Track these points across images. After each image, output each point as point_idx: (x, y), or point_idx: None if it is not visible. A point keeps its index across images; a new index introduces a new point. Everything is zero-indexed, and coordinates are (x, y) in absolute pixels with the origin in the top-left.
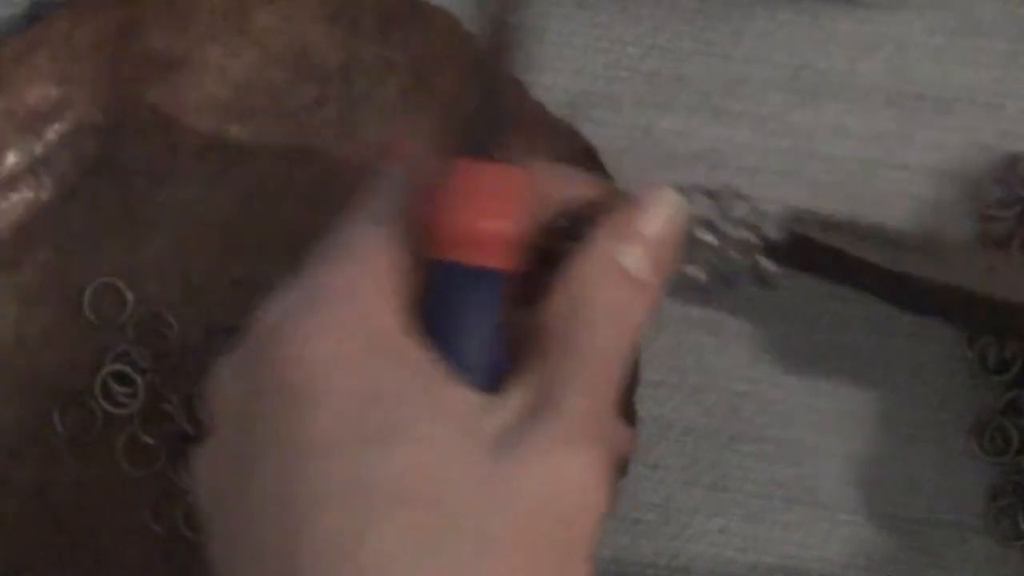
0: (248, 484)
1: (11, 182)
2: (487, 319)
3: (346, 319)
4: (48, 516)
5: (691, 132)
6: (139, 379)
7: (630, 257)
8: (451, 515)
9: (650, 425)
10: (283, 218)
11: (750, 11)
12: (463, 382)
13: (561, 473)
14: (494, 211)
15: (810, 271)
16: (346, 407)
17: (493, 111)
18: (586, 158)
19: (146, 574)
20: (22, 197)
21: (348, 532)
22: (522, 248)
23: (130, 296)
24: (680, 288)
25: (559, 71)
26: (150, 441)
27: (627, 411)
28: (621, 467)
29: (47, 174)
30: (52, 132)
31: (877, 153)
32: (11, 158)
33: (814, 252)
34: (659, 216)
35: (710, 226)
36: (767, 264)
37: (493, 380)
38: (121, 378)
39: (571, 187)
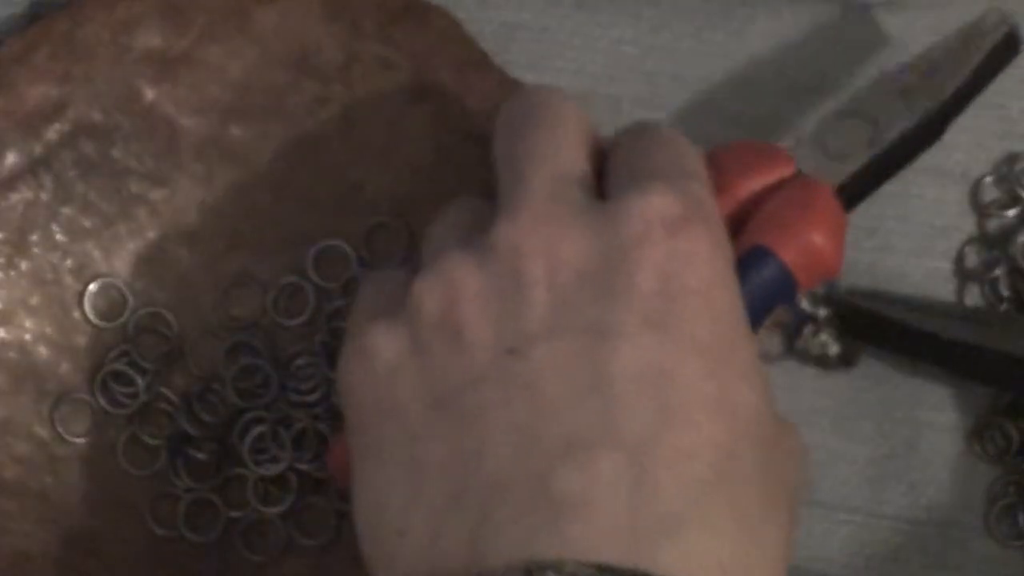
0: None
1: (11, 182)
2: (763, 319)
3: (724, 241)
4: (48, 516)
5: (691, 132)
6: (139, 379)
7: None
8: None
9: None
10: (282, 218)
11: (750, 11)
12: None
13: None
14: (837, 244)
15: (863, 339)
16: (725, 323)
17: (877, 167)
18: None
19: (146, 574)
20: (22, 197)
21: (720, 446)
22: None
23: (130, 296)
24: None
25: (559, 71)
26: (150, 441)
27: None
28: None
29: (47, 174)
30: (52, 132)
31: None
32: (11, 158)
33: (868, 323)
34: None
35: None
36: (830, 343)
37: None
38: (121, 378)
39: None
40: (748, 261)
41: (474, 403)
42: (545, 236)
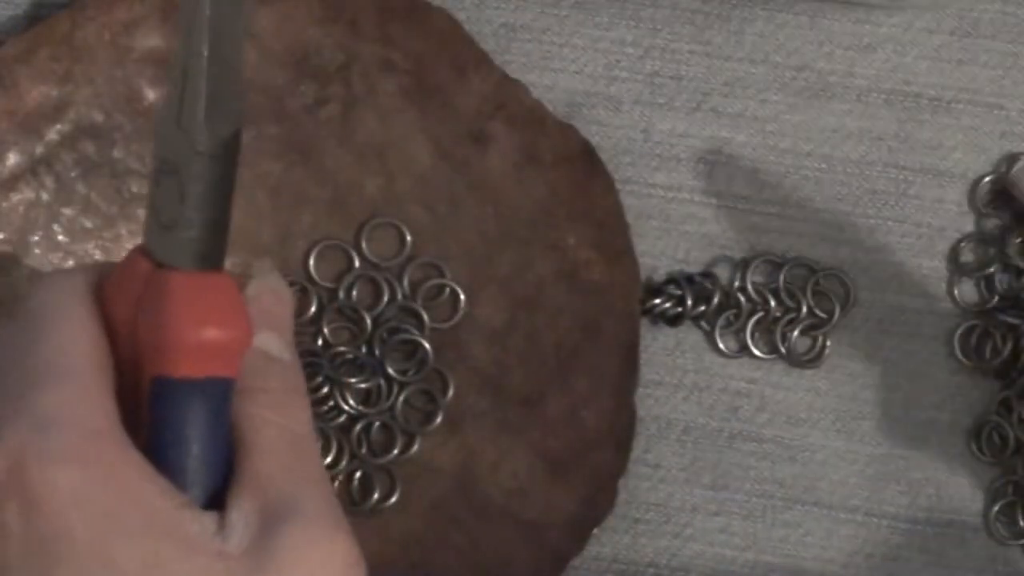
0: None
1: (11, 182)
2: (218, 430)
3: (78, 450)
4: None
5: (691, 132)
6: None
7: (267, 341)
8: None
9: (650, 425)
10: (282, 217)
11: (750, 12)
12: (191, 504)
13: (323, 571)
14: (221, 320)
15: None
16: (94, 561)
17: (205, 217)
18: (586, 158)
19: None
20: (23, 197)
21: None
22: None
23: None
24: None
25: (559, 71)
26: None
27: (627, 411)
28: (620, 468)
29: (48, 174)
30: (52, 132)
31: (877, 153)
32: (11, 158)
33: None
34: (271, 297)
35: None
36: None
37: (221, 485)
38: None
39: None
40: (155, 401)
41: None
42: None
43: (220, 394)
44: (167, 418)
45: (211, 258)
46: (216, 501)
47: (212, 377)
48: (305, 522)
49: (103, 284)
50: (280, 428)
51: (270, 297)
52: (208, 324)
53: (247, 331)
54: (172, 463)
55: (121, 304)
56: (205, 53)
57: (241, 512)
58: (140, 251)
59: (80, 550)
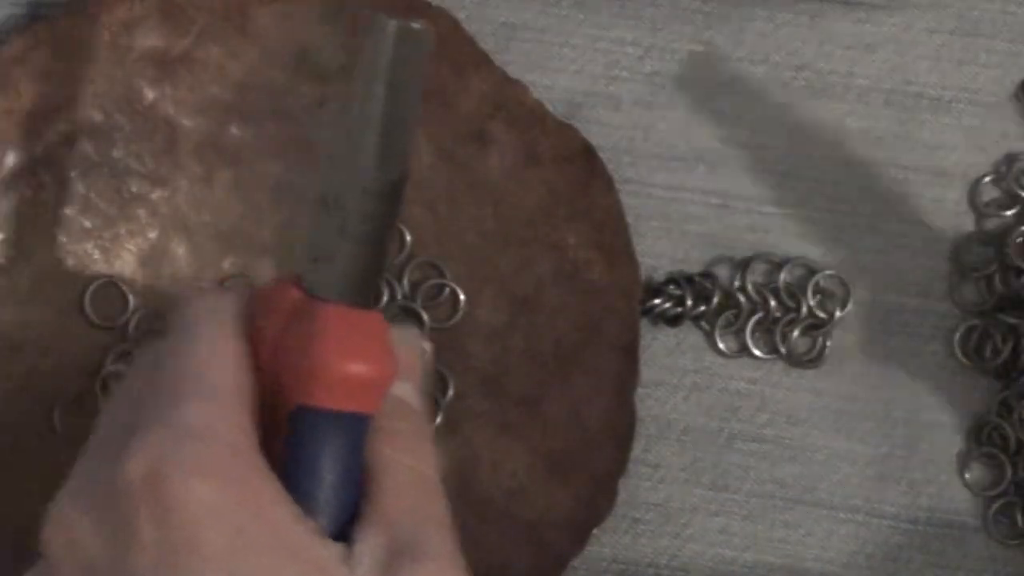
0: None
1: (11, 182)
2: (352, 464)
3: (217, 464)
4: None
5: (691, 132)
6: None
7: (403, 390)
8: None
9: (650, 425)
10: (281, 217)
11: (750, 12)
12: (321, 530)
13: None
14: (370, 356)
15: None
16: (224, 568)
17: (364, 254)
18: (586, 157)
19: None
20: (22, 197)
21: None
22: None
23: (130, 296)
24: None
25: (559, 71)
26: None
27: (627, 411)
28: (620, 468)
29: (47, 174)
30: (52, 132)
31: (877, 153)
32: (11, 158)
33: None
34: (408, 349)
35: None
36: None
37: (348, 518)
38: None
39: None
40: (295, 429)
41: None
42: None
43: (358, 429)
44: (305, 446)
45: (365, 295)
46: (341, 534)
47: (353, 412)
48: (429, 563)
49: (250, 309)
50: (410, 469)
51: (407, 349)
52: (357, 359)
53: (392, 370)
54: (305, 490)
55: (267, 330)
56: (382, 95)
57: (368, 546)
58: (291, 280)
59: (209, 563)
